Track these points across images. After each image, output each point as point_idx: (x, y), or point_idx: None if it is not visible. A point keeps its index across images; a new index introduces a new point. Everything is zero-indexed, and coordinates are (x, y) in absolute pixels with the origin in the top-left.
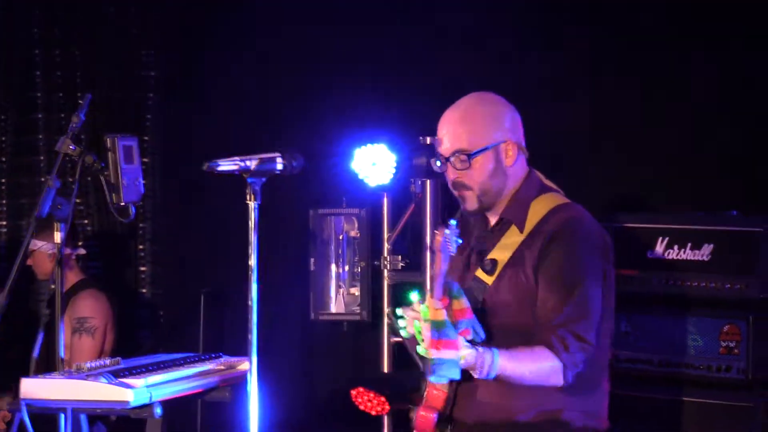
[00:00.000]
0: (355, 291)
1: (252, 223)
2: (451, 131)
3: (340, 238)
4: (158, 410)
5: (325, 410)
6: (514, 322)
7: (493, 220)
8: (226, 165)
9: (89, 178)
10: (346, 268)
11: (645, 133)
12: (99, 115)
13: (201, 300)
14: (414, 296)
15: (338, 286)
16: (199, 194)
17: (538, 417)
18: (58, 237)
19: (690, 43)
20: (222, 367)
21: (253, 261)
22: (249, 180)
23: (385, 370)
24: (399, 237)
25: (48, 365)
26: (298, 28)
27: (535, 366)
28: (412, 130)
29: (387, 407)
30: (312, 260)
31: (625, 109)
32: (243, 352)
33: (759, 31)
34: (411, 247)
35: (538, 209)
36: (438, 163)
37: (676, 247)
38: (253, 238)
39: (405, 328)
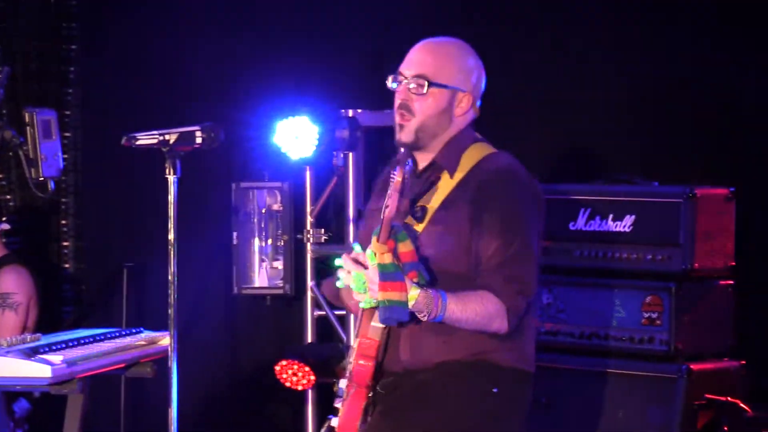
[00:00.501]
0: (278, 265)
1: (171, 198)
2: (422, 57)
3: (263, 211)
4: (78, 386)
5: (249, 384)
6: (444, 269)
7: (422, 164)
8: (144, 139)
9: (10, 154)
10: (269, 241)
11: (565, 103)
12: (20, 89)
13: (124, 275)
14: (357, 247)
15: (261, 260)
16: (122, 168)
17: (468, 358)
18: None
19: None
20: (143, 343)
21: (172, 235)
22: (168, 154)
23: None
24: (322, 210)
25: None
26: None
27: (482, 309)
28: (334, 102)
29: (312, 378)
30: (234, 234)
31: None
32: (166, 327)
33: None
34: (334, 220)
35: (470, 157)
36: (394, 84)
37: (597, 218)
38: (172, 212)
39: (341, 278)
